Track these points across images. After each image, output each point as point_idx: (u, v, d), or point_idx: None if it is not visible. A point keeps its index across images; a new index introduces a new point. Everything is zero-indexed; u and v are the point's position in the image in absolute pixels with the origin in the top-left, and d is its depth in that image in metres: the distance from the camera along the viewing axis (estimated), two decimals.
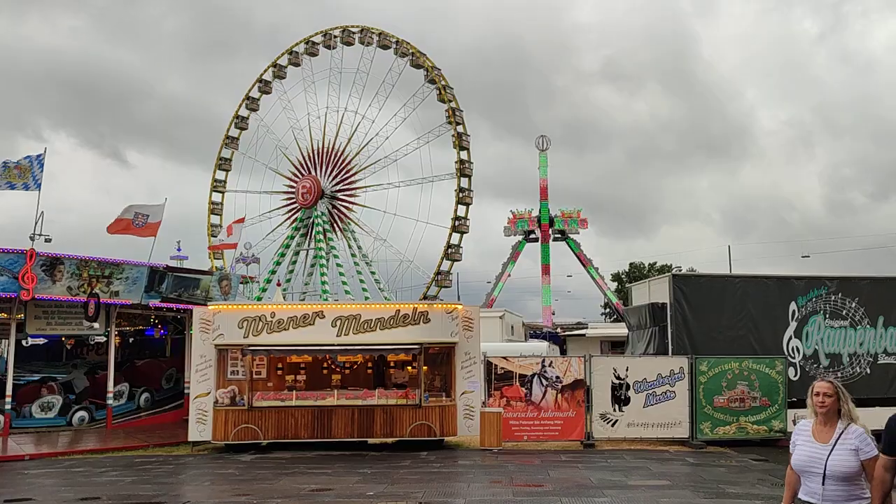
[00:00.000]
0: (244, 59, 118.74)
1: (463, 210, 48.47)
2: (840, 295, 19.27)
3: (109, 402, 20.46)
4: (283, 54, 54.69)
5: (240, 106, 56.05)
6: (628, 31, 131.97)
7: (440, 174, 49.28)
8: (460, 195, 48.10)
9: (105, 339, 22.15)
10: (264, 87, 55.19)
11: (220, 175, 56.62)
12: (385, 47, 50.82)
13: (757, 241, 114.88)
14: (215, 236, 54.50)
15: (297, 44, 54.22)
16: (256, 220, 54.40)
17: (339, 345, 16.96)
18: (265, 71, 55.33)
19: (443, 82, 49.20)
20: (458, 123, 48.43)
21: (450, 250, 48.65)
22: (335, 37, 52.38)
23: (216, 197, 56.52)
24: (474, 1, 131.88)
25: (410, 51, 49.90)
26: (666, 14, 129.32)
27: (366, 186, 52.06)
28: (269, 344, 16.90)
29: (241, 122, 56.00)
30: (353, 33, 51.65)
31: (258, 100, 55.70)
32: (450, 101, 48.79)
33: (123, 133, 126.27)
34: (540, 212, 61.85)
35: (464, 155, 48.38)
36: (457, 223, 48.30)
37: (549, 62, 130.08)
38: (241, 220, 25.87)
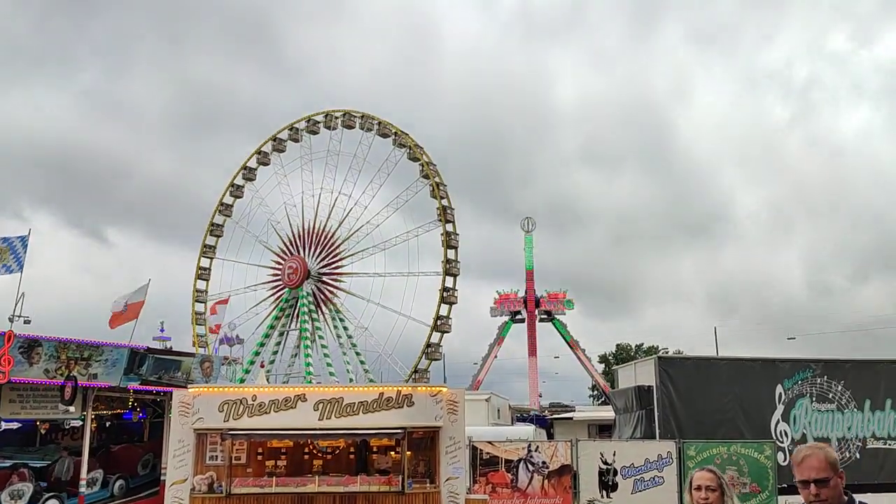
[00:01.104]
0: (228, 140, 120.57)
1: (445, 309, 48.24)
2: (825, 378, 19.22)
3: (82, 490, 19.76)
4: (283, 129, 55.58)
5: (236, 175, 56.58)
6: (606, 115, 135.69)
7: (426, 270, 49.29)
8: (444, 294, 47.90)
9: (81, 422, 21.60)
10: (262, 158, 55.89)
11: (211, 241, 56.65)
12: (384, 136, 51.78)
13: (741, 322, 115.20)
14: (201, 301, 54.28)
15: (298, 120, 55.20)
16: (241, 292, 54.29)
17: (320, 429, 16.55)
18: (264, 143, 56.10)
19: (437, 179, 49.75)
20: (448, 222, 48.78)
21: (429, 349, 48.18)
22: (336, 118, 53.37)
23: (204, 262, 56.36)
24: (454, 85, 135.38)
25: (409, 143, 50.75)
26: (642, 98, 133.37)
27: (352, 273, 52.08)
28: (250, 428, 16.47)
29: (236, 191, 56.50)
30: (355, 117, 52.71)
31: (255, 170, 56.32)
32: (442, 198, 49.25)
33: (104, 212, 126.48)
34: (526, 292, 61.98)
35: (451, 254, 48.47)
36: (438, 322, 47.93)
37: (528, 144, 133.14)
38: (226, 301, 25.73)
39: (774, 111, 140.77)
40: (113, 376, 19.35)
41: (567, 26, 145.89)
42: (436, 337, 48.13)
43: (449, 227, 48.70)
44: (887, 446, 18.93)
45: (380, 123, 51.63)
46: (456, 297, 48.27)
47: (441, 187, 49.55)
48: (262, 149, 56.02)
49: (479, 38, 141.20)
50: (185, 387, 17.92)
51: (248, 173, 56.36)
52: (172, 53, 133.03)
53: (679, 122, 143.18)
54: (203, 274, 56.14)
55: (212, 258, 56.50)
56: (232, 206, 56.79)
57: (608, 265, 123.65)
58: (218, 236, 56.67)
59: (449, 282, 48.06)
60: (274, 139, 55.62)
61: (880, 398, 19.27)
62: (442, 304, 47.89)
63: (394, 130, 51.27)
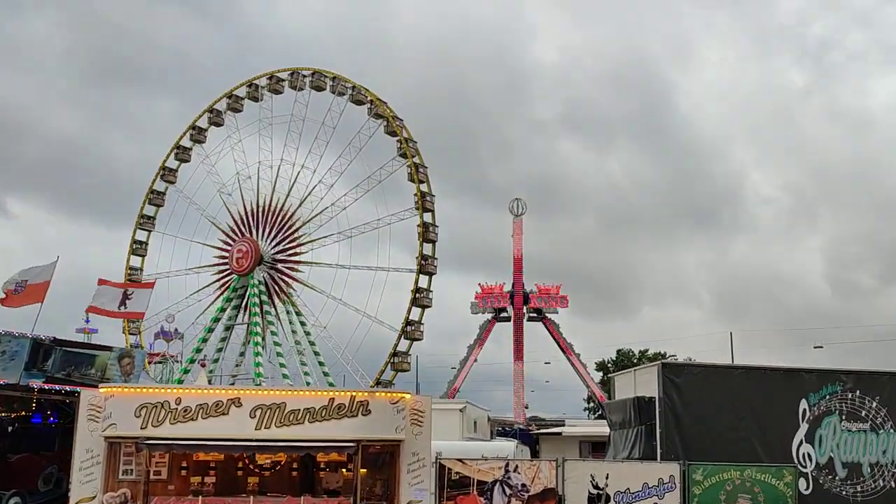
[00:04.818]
0: (145, 94, 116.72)
1: (417, 313, 47.51)
2: (858, 393, 19.11)
3: None
4: (241, 85, 54.64)
5: (182, 135, 55.87)
6: (593, 76, 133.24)
7: (399, 266, 48.27)
8: (417, 296, 47.20)
9: None
10: (215, 117, 55.08)
11: (141, 235, 55.61)
12: (358, 103, 50.91)
13: (755, 326, 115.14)
14: (133, 281, 53.18)
15: (258, 76, 54.29)
16: (183, 274, 53.47)
17: (258, 440, 16.15)
18: (217, 100, 55.18)
19: (416, 159, 48.87)
20: (426, 211, 48.11)
21: (395, 359, 47.50)
22: (304, 77, 52.45)
23: (141, 235, 55.40)
24: (411, 36, 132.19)
25: (386, 114, 49.94)
26: (635, 56, 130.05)
27: (311, 262, 51.26)
28: (172, 437, 16.05)
29: (181, 153, 55.69)
30: (326, 78, 51.82)
31: (206, 130, 55.63)
32: (421, 182, 48.17)
33: (2, 178, 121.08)
34: (513, 286, 61.62)
35: (428, 249, 47.71)
36: (408, 328, 47.22)
37: (500, 108, 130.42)
38: (151, 285, 25.08)
39: (788, 75, 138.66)
40: (11, 372, 18.69)
41: None
42: (404, 345, 47.42)
43: (427, 218, 47.93)
44: None
45: (354, 88, 50.79)
46: (431, 299, 47.53)
47: (421, 170, 48.77)
48: (214, 107, 55.04)
49: None
50: (97, 386, 17.40)
51: (198, 134, 55.43)
52: None
53: (679, 86, 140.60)
54: (138, 249, 55.25)
55: (150, 231, 55.57)
56: (176, 171, 55.87)
57: (600, 256, 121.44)
58: (158, 205, 55.79)
59: (423, 281, 47.27)
60: (230, 96, 54.68)
61: None
62: (414, 308, 47.16)
63: (370, 98, 50.44)
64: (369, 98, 50.49)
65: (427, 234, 47.67)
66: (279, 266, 51.76)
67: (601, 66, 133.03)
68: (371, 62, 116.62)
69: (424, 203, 48.10)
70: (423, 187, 48.47)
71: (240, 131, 54.28)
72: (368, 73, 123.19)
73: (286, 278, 51.59)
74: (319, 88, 52.03)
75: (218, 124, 54.85)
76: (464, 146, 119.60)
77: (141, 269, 54.73)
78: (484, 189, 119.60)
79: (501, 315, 62.68)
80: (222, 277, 52.98)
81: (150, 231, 55.73)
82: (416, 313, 47.34)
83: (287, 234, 51.68)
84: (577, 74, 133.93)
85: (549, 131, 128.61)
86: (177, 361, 49.16)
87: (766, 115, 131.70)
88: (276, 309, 51.57)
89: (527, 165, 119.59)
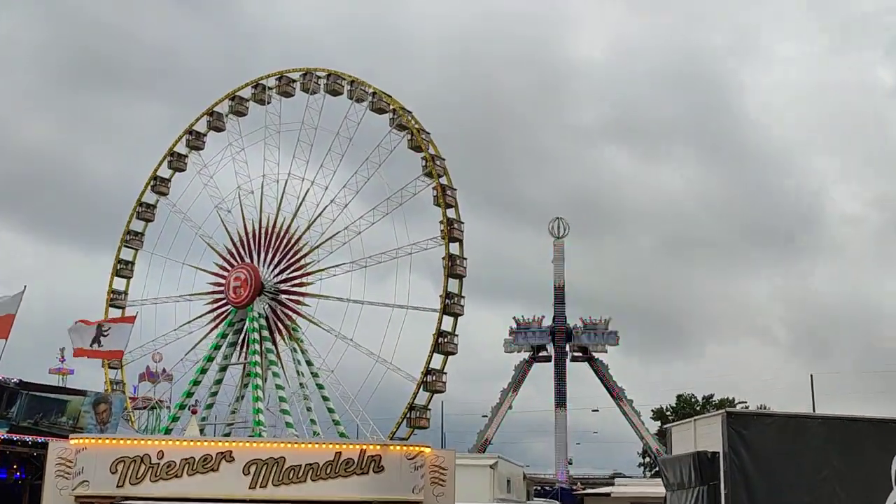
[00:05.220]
0: (129, 99, 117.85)
1: (440, 361, 47.41)
2: None
3: None
4: (246, 85, 55.32)
5: (178, 140, 56.46)
6: (644, 74, 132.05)
7: (418, 305, 48.28)
8: (440, 341, 46.96)
9: None
10: (215, 121, 55.68)
11: (127, 254, 56.12)
12: (380, 111, 51.33)
13: (838, 370, 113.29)
14: (117, 307, 53.70)
15: (266, 76, 54.98)
16: (173, 336, 53.57)
17: (252, 500, 16.20)
18: (219, 102, 55.89)
19: (444, 180, 49.12)
20: (453, 240, 48.42)
21: (429, 377, 47.33)
22: (319, 78, 52.89)
23: (119, 284, 55.78)
24: (431, 31, 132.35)
25: (411, 126, 50.16)
26: (695, 51, 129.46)
27: (318, 295, 51.43)
28: (153, 496, 16.20)
29: (176, 161, 56.28)
30: (343, 81, 52.25)
31: (205, 135, 56.22)
32: (448, 206, 48.49)
33: None
34: (554, 320, 61.35)
35: (453, 286, 47.74)
36: (428, 378, 47.06)
37: (536, 112, 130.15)
38: (131, 320, 25.28)
39: (876, 72, 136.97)
40: None
41: None
42: (423, 397, 47.17)
43: (454, 249, 47.92)
44: None
45: (375, 94, 51.15)
46: (456, 345, 47.33)
47: (449, 192, 48.81)
48: (215, 109, 55.61)
49: None
50: (68, 437, 17.54)
51: (195, 139, 56.10)
52: None
53: (747, 85, 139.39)
54: (123, 269, 55.74)
55: (136, 249, 56.14)
56: (169, 180, 56.60)
57: (656, 284, 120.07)
58: (147, 220, 56.43)
59: (447, 323, 47.22)
60: (233, 97, 55.26)
61: None
62: (435, 354, 46.94)
63: (392, 106, 50.70)
64: (392, 106, 50.76)
65: (454, 267, 47.50)
66: (282, 298, 51.95)
67: (655, 61, 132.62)
68: (382, 61, 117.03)
69: (452, 231, 48.01)
70: (451, 213, 48.50)
71: (243, 138, 55.01)
72: (379, 74, 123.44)
73: (290, 312, 51.73)
74: (335, 93, 52.45)
75: (218, 129, 55.46)
76: (493, 156, 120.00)
77: (125, 293, 55.30)
78: (517, 206, 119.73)
79: (540, 354, 62.42)
80: (217, 308, 53.23)
81: (136, 249, 56.35)
82: (437, 361, 47.21)
83: (292, 260, 51.95)
84: (627, 72, 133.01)
85: (593, 138, 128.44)
86: (165, 407, 49.51)
87: (849, 118, 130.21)
88: (277, 347, 51.69)
89: (567, 178, 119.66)
